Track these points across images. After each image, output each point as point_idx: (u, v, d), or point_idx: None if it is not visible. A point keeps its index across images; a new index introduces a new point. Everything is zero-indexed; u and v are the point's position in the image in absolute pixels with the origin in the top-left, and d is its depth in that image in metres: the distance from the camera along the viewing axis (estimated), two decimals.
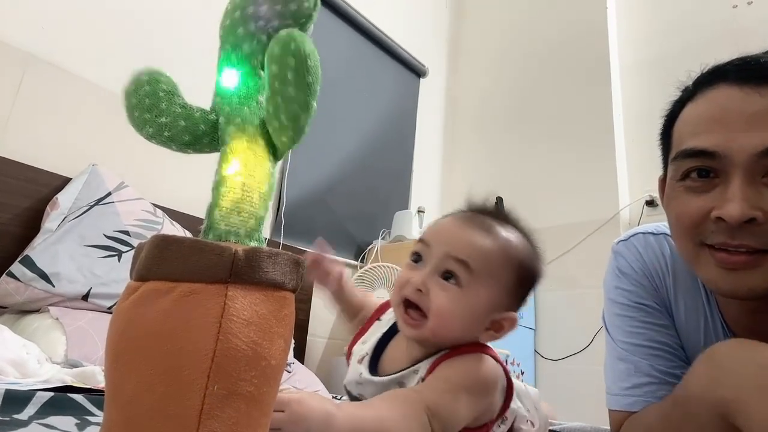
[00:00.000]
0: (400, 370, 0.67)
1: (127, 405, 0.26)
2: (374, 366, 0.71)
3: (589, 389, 1.93)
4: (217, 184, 0.34)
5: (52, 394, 0.57)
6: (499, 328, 0.66)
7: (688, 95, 0.61)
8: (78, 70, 1.57)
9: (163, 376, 0.26)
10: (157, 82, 0.36)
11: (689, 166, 0.57)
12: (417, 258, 0.67)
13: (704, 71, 0.61)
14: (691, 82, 0.62)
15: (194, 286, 0.27)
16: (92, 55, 1.61)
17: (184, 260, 0.28)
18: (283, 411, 0.42)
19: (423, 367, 0.65)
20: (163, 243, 0.29)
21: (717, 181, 0.55)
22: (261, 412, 0.29)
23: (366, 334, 0.76)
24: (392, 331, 0.74)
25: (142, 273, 0.29)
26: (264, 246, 0.34)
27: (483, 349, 0.66)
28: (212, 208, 0.34)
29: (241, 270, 0.29)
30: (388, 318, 0.76)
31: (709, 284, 0.59)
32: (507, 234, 0.67)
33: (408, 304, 0.65)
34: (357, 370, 0.71)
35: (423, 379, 0.63)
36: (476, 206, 0.71)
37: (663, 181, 0.65)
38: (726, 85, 0.56)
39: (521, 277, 0.66)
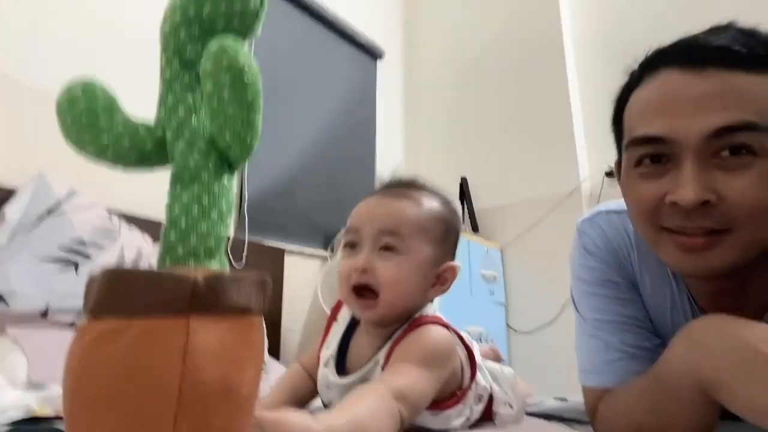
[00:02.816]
0: (363, 365, 0.69)
1: None
2: (342, 365, 0.72)
3: (560, 358, 1.99)
4: (171, 205, 0.32)
5: (15, 428, 0.54)
6: (443, 281, 0.72)
7: (634, 80, 0.62)
8: (18, 75, 1.48)
9: (127, 421, 0.24)
10: (94, 97, 0.34)
11: (641, 153, 0.58)
12: (351, 245, 0.71)
13: (647, 55, 0.61)
14: (636, 66, 0.62)
15: (153, 322, 0.26)
16: (33, 58, 1.51)
17: (139, 294, 0.26)
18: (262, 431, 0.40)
19: (381, 356, 0.68)
20: (115, 276, 0.27)
21: (669, 166, 0.56)
22: None
23: (328, 339, 0.77)
24: (351, 328, 0.75)
25: (95, 310, 0.27)
26: (226, 266, 0.33)
27: (428, 320, 0.69)
28: (168, 230, 0.32)
29: (202, 299, 0.27)
30: (344, 316, 0.77)
31: (670, 266, 0.60)
32: (421, 195, 0.73)
33: (358, 291, 0.68)
34: (324, 374, 0.72)
35: (383, 368, 0.66)
36: (386, 182, 0.77)
37: (619, 165, 0.66)
38: (669, 70, 0.56)
39: (447, 227, 0.73)
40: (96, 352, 0.26)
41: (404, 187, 0.75)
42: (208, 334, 0.26)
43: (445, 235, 0.72)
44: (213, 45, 0.31)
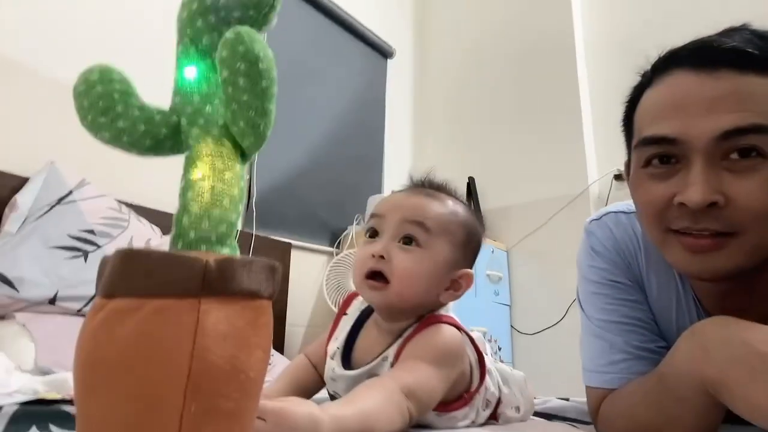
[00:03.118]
0: (371, 360, 0.69)
1: (100, 431, 0.25)
2: (347, 359, 0.72)
3: (564, 361, 1.98)
4: (184, 190, 0.32)
5: (21, 408, 0.55)
6: (458, 287, 0.71)
7: (646, 81, 0.62)
8: (32, 65, 1.49)
9: (136, 399, 0.25)
10: (110, 81, 0.34)
11: (651, 153, 0.58)
12: (373, 233, 0.71)
13: (660, 56, 0.61)
14: (648, 67, 0.62)
15: (164, 302, 0.26)
16: (46, 48, 1.53)
17: (152, 275, 0.27)
18: (265, 420, 0.41)
19: (391, 353, 0.68)
20: (129, 257, 0.27)
21: (679, 167, 0.56)
22: (242, 427, 0.28)
23: (336, 332, 0.77)
24: (360, 323, 0.75)
25: (108, 290, 0.27)
26: (237, 252, 0.33)
27: (441, 320, 0.69)
28: (180, 214, 0.32)
29: (213, 282, 0.27)
30: (353, 310, 0.77)
31: (676, 267, 0.60)
32: (449, 199, 0.74)
33: (371, 276, 0.67)
34: (330, 366, 0.72)
35: (392, 365, 0.66)
36: (417, 181, 0.77)
37: (628, 166, 0.66)
38: (682, 71, 0.56)
39: (469, 234, 0.73)
40: (107, 330, 0.26)
41: (434, 188, 0.75)
42: (218, 316, 0.27)
43: (466, 241, 0.72)
44: (229, 33, 0.32)
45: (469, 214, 0.75)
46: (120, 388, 0.25)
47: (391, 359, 0.67)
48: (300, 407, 0.44)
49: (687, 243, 0.55)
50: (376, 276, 0.67)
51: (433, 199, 0.71)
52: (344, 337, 0.74)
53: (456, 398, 0.68)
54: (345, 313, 0.79)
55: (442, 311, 0.72)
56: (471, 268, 0.74)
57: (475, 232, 0.74)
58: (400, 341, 0.68)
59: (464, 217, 0.73)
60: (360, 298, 0.79)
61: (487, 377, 0.73)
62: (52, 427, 0.51)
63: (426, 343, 0.65)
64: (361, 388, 0.56)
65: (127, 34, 1.72)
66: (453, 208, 0.72)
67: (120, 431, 0.25)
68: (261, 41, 0.33)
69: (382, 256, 0.66)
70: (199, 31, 0.36)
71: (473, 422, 0.70)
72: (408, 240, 0.68)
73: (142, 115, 0.34)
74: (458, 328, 0.70)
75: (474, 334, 0.74)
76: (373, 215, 0.72)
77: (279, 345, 1.91)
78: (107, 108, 0.33)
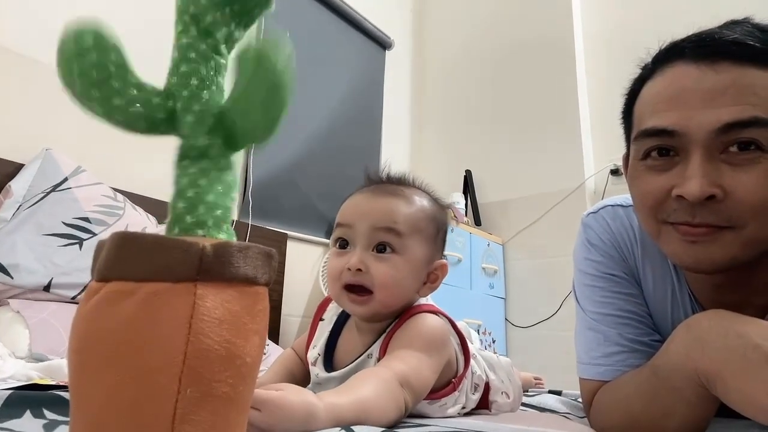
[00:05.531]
0: (356, 358, 0.68)
1: (95, 415, 0.25)
2: (329, 364, 0.72)
3: (558, 354, 2.00)
4: (179, 177, 0.32)
5: (14, 392, 0.54)
6: (434, 278, 0.72)
7: (647, 73, 0.62)
8: (26, 50, 1.48)
9: (132, 383, 0.25)
10: (105, 49, 0.32)
11: (649, 145, 0.58)
12: (343, 243, 0.69)
13: (661, 48, 0.61)
14: (649, 59, 0.62)
15: (160, 285, 0.26)
16: (40, 34, 1.51)
17: (148, 258, 0.26)
18: (259, 410, 0.40)
19: (375, 349, 0.68)
20: (125, 240, 0.27)
21: (677, 159, 0.56)
22: (238, 412, 0.28)
23: (314, 339, 0.76)
24: (338, 327, 0.75)
25: (103, 273, 0.27)
26: (234, 237, 0.33)
27: (422, 309, 0.69)
28: (176, 200, 0.32)
29: (210, 266, 0.27)
30: (330, 315, 0.77)
31: (673, 259, 0.60)
32: (413, 193, 0.72)
33: (350, 288, 0.67)
34: (314, 372, 0.72)
35: (378, 360, 0.66)
36: (374, 178, 0.75)
37: (627, 158, 0.66)
38: (683, 63, 0.56)
39: (438, 226, 0.72)
40: (102, 314, 0.26)
41: (394, 184, 0.73)
42: (214, 301, 0.27)
43: (436, 234, 0.72)
44: (252, 48, 0.32)
45: (434, 204, 0.73)
46: (114, 372, 0.25)
47: (376, 355, 0.67)
48: (295, 395, 0.44)
49: (684, 231, 0.55)
50: (356, 288, 0.67)
51: (398, 198, 0.69)
52: (324, 343, 0.74)
53: (445, 384, 0.69)
54: (321, 319, 0.78)
55: (422, 301, 0.73)
56: (443, 254, 0.74)
57: (443, 221, 0.74)
58: (383, 337, 0.68)
59: (430, 210, 0.72)
60: (335, 302, 0.78)
61: (472, 361, 0.73)
62: (46, 412, 0.51)
63: (412, 333, 0.65)
64: (357, 377, 0.56)
65: (125, 16, 1.70)
66: (419, 203, 0.71)
67: (114, 415, 0.24)
68: (290, 66, 0.33)
69: (359, 270, 0.66)
70: (204, 9, 0.35)
71: (464, 407, 0.71)
72: (382, 247, 0.67)
73: (140, 95, 0.33)
74: (439, 314, 0.70)
75: (460, 323, 0.75)
76: (339, 225, 0.70)
77: (274, 335, 1.92)
78: (102, 81, 0.32)
